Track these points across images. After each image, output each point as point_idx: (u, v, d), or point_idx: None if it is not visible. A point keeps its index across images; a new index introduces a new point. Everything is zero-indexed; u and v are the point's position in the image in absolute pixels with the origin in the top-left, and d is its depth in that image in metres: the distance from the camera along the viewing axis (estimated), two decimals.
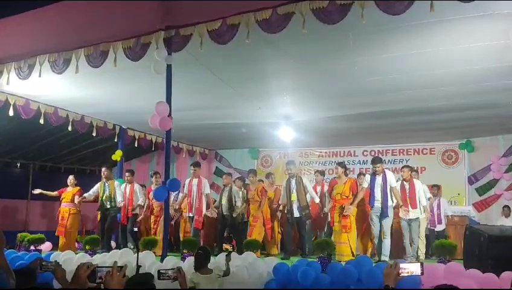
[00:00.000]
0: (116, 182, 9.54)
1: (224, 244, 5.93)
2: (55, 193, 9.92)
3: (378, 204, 7.65)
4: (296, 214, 8.30)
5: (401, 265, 2.72)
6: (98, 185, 9.64)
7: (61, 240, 9.34)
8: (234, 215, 8.96)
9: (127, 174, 9.72)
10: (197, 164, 9.35)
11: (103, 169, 9.64)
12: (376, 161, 7.91)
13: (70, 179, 9.81)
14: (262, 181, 9.91)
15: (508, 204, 10.37)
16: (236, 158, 14.07)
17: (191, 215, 8.86)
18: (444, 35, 5.76)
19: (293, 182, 8.40)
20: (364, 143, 12.58)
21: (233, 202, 9.05)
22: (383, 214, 7.61)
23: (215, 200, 9.60)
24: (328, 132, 11.11)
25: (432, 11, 4.51)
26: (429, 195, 8.96)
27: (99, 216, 9.87)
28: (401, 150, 12.50)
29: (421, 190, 8.18)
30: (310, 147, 13.16)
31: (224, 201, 9.15)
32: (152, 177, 9.82)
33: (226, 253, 5.44)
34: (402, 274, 2.68)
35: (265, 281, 5.65)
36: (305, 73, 7.36)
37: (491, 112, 8.98)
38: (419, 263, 2.78)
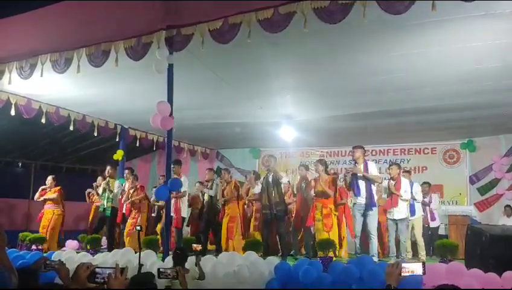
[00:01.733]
0: (116, 183, 9.52)
1: (193, 245, 5.76)
2: (38, 196, 9.80)
3: (361, 199, 7.48)
4: (273, 210, 7.96)
5: (403, 265, 2.73)
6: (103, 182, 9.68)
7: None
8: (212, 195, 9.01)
9: (126, 171, 9.77)
10: (176, 162, 8.88)
11: (108, 167, 9.66)
12: (355, 146, 7.82)
13: (49, 179, 9.78)
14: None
15: (510, 204, 10.36)
16: (238, 158, 14.08)
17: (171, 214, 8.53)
18: (445, 35, 5.76)
19: (271, 177, 8.06)
20: (365, 142, 12.39)
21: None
22: (367, 208, 7.46)
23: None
24: (329, 131, 11.11)
25: (434, 10, 4.50)
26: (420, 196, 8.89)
27: (92, 214, 9.95)
28: (402, 150, 12.50)
29: (407, 188, 8.18)
30: (311, 146, 13.16)
31: (206, 197, 9.11)
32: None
33: (196, 254, 5.33)
34: (404, 274, 2.69)
35: (267, 280, 5.65)
36: (306, 72, 7.36)
37: (493, 111, 8.97)
38: (421, 263, 2.79)
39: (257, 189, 8.61)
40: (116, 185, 9.43)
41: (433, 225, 9.38)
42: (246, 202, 9.46)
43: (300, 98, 8.75)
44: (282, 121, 10.04)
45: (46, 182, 9.78)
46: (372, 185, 7.62)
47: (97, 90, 8.19)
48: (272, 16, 5.15)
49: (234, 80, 7.72)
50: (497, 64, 6.57)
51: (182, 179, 8.58)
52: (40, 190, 9.79)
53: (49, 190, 9.74)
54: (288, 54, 6.50)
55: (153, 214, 10.37)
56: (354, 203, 7.68)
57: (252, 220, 9.39)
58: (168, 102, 6.34)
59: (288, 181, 9.41)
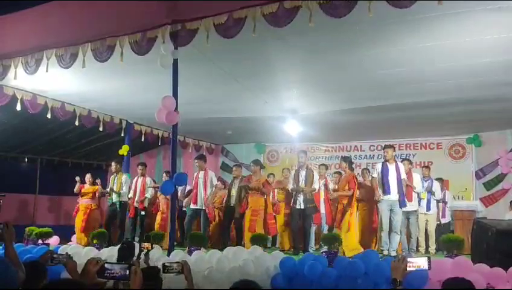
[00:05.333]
0: (123, 177, 9.70)
1: (144, 243, 5.81)
2: (76, 188, 9.95)
3: (393, 196, 7.49)
4: (301, 205, 8.18)
5: (409, 259, 2.74)
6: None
7: (79, 236, 9.55)
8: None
9: (140, 167, 9.96)
10: (199, 157, 9.27)
11: (113, 163, 9.94)
12: (386, 146, 7.91)
13: (88, 177, 10.01)
14: (273, 175, 9.94)
15: None
16: (243, 153, 14.04)
17: (197, 207, 8.85)
18: (452, 29, 5.73)
19: (303, 173, 8.26)
20: (371, 137, 12.54)
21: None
22: (400, 205, 7.50)
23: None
24: (334, 125, 11.07)
25: (440, 3, 4.49)
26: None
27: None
28: (408, 145, 12.44)
29: (419, 183, 8.45)
30: (316, 141, 13.14)
31: (233, 193, 9.15)
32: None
33: (144, 252, 5.35)
34: (409, 268, 2.70)
35: (272, 275, 5.66)
36: (312, 66, 7.34)
37: (499, 106, 8.90)
38: (426, 257, 2.80)
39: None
40: (123, 179, 9.57)
41: (444, 221, 9.44)
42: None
43: (306, 92, 8.73)
44: (287, 115, 10.03)
45: (86, 179, 9.98)
46: (402, 184, 7.61)
47: (102, 85, 8.21)
48: (276, 10, 5.14)
49: (239, 74, 7.71)
50: (504, 58, 6.52)
51: (210, 174, 8.90)
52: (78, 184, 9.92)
53: (87, 187, 9.94)
54: (294, 48, 6.48)
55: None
56: (383, 199, 7.66)
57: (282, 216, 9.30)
58: (173, 97, 6.34)
59: None
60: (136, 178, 9.93)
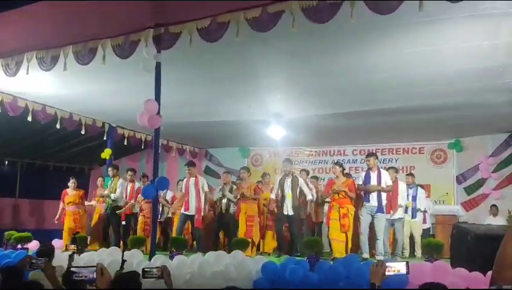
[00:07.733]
0: (120, 181, 9.55)
1: (69, 245, 5.77)
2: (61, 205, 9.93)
3: (373, 203, 7.61)
4: (290, 212, 8.22)
5: (388, 264, 2.74)
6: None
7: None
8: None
9: (129, 173, 9.78)
10: (190, 164, 9.19)
11: (110, 168, 9.85)
12: (369, 154, 8.00)
13: (72, 181, 9.95)
14: (261, 182, 9.96)
15: (496, 203, 10.45)
16: (227, 157, 14.02)
17: (188, 213, 8.79)
18: (435, 35, 5.80)
19: (289, 180, 8.32)
20: (354, 142, 12.60)
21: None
22: (377, 211, 7.59)
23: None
24: (318, 129, 11.10)
25: (421, 10, 4.54)
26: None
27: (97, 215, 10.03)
28: (391, 150, 12.52)
29: (403, 192, 8.38)
30: (299, 146, 13.17)
31: (225, 199, 9.20)
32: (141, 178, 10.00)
33: (70, 253, 5.34)
34: (388, 273, 2.70)
35: (254, 279, 5.65)
36: (296, 70, 7.36)
37: (481, 111, 9.02)
38: (405, 262, 2.81)
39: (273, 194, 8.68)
40: (119, 183, 9.48)
41: (424, 226, 9.51)
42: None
43: (290, 96, 8.74)
44: (271, 119, 10.03)
45: (69, 184, 9.93)
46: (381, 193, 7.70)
47: (84, 88, 8.13)
48: (260, 15, 5.16)
49: (223, 78, 7.70)
50: (486, 64, 6.60)
51: (201, 180, 8.78)
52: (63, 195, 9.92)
53: (72, 192, 9.90)
54: (278, 52, 6.50)
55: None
56: (363, 206, 7.75)
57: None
58: (156, 100, 6.30)
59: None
60: (125, 184, 9.77)
